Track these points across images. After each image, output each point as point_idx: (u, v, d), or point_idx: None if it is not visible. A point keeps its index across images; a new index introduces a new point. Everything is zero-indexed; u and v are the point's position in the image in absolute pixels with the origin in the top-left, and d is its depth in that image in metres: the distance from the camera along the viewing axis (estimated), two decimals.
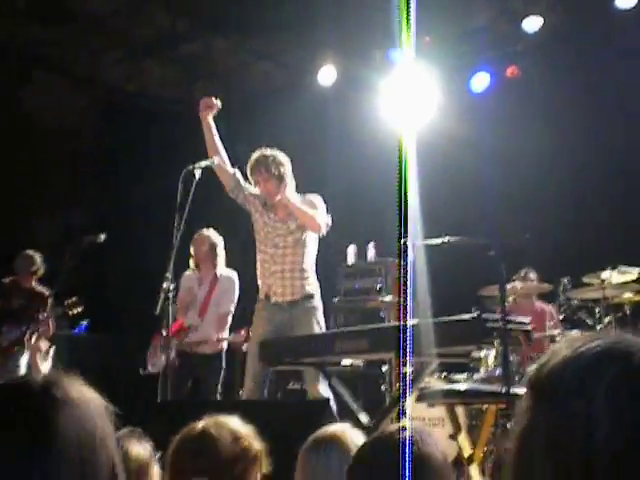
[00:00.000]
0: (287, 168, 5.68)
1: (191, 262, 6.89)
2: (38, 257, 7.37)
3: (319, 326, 5.51)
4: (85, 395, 1.32)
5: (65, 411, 1.26)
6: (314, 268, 5.78)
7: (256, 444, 2.39)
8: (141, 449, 2.81)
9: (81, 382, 1.35)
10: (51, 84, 10.34)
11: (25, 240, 9.70)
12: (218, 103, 5.73)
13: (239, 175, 5.78)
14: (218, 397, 6.64)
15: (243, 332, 6.45)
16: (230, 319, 6.83)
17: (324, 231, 5.64)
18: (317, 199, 5.74)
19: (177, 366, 6.26)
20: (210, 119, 5.76)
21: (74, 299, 6.83)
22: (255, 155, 5.68)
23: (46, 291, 7.23)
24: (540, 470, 1.07)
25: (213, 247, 6.81)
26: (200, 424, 2.43)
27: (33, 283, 7.39)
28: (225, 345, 6.79)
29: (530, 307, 7.21)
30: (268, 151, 5.68)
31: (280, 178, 5.59)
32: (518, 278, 7.05)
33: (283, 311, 5.55)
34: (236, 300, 6.83)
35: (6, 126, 10.00)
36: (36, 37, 9.35)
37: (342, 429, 2.56)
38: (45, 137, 10.44)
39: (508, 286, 6.19)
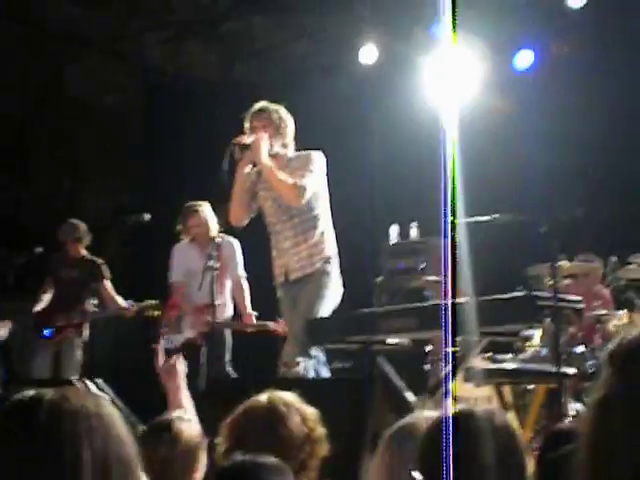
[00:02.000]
0: (288, 123, 5.41)
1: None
2: (82, 225, 7.35)
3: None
4: (94, 405, 1.38)
5: (76, 423, 1.31)
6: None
7: (320, 427, 2.38)
8: (192, 432, 2.81)
9: (93, 392, 1.44)
10: (96, 64, 10.40)
11: (73, 218, 9.82)
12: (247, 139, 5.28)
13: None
14: (229, 369, 6.62)
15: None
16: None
17: (303, 200, 5.19)
18: (313, 158, 5.34)
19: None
20: (247, 168, 5.35)
21: (153, 302, 6.81)
22: (258, 104, 5.45)
23: (97, 259, 7.24)
24: (618, 437, 1.09)
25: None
26: (265, 399, 2.40)
27: (82, 251, 7.41)
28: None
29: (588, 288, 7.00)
30: (273, 104, 5.53)
31: (278, 128, 5.34)
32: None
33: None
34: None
35: (52, 107, 10.10)
36: (79, 18, 9.38)
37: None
38: (89, 117, 10.52)
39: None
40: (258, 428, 2.33)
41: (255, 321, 6.61)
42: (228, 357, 6.64)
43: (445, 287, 4.32)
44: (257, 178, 5.44)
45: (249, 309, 6.64)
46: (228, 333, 6.70)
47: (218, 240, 6.00)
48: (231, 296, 6.77)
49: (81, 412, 1.36)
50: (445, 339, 3.83)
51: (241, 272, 6.72)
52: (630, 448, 1.07)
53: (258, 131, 5.27)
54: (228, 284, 6.74)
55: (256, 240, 5.72)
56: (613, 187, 8.10)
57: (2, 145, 9.79)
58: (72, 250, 7.32)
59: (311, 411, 2.41)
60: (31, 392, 1.41)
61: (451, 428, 1.77)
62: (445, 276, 4.35)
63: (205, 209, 6.65)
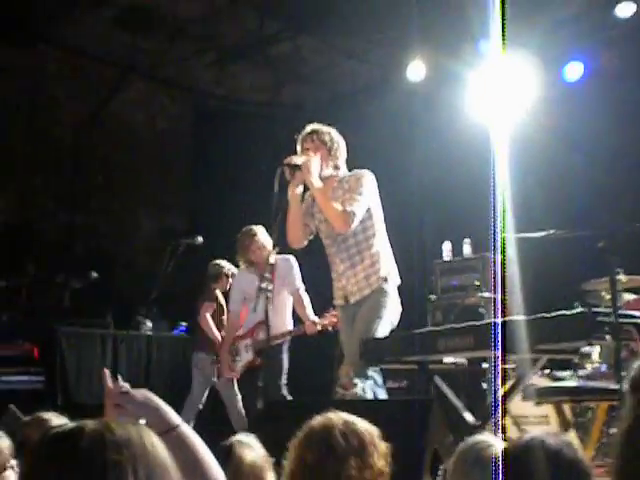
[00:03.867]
0: (340, 145, 5.38)
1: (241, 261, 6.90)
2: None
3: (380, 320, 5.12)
4: (138, 435, 1.39)
5: (120, 452, 1.30)
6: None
7: (384, 444, 2.37)
8: (255, 455, 2.80)
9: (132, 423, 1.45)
10: (144, 90, 10.56)
11: (122, 241, 9.96)
12: (296, 160, 5.24)
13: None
14: (285, 392, 6.62)
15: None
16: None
17: (352, 227, 5.14)
18: (363, 177, 5.27)
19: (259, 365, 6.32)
20: (298, 189, 5.30)
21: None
22: (311, 125, 5.42)
23: None
24: None
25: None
26: (326, 421, 2.40)
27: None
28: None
29: None
30: (325, 126, 5.52)
31: (330, 150, 5.30)
32: None
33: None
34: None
35: (104, 131, 10.27)
36: (128, 44, 9.54)
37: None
38: (140, 141, 10.67)
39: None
40: (320, 448, 2.32)
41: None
42: (284, 380, 6.65)
43: (499, 304, 4.26)
44: (313, 200, 5.44)
45: (311, 317, 6.64)
46: (285, 356, 6.72)
47: (272, 261, 6.02)
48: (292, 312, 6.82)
49: (125, 441, 1.36)
50: (502, 357, 3.78)
51: (299, 284, 6.75)
52: None
53: (309, 153, 5.28)
54: (289, 302, 6.77)
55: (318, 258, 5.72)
56: None
57: (53, 171, 9.96)
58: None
59: (372, 428, 2.40)
60: (72, 423, 1.42)
61: (518, 459, 1.75)
62: (498, 293, 4.28)
63: (260, 234, 6.70)
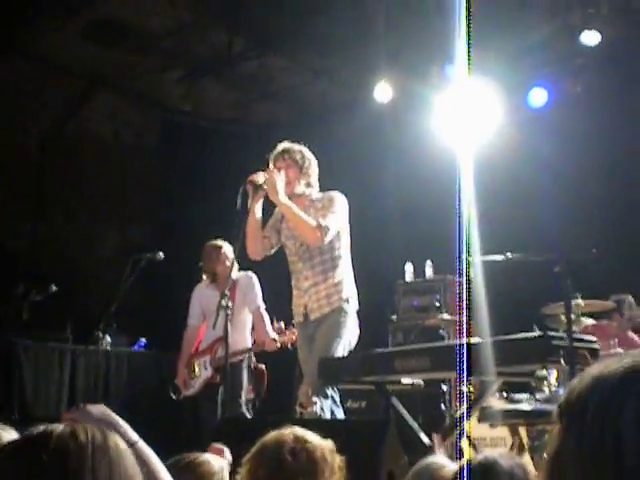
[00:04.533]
0: (312, 163, 5.43)
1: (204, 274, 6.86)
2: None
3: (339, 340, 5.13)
4: (110, 439, 1.40)
5: (94, 455, 1.30)
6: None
7: (338, 458, 2.36)
8: (211, 470, 2.79)
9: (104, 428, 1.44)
10: (111, 102, 10.52)
11: (85, 254, 9.88)
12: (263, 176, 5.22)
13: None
14: (244, 409, 6.59)
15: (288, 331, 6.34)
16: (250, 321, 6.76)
17: (326, 240, 5.16)
18: (336, 199, 5.33)
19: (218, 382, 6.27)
20: (258, 205, 5.31)
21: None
22: (282, 144, 5.47)
23: None
24: None
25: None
26: (275, 434, 2.39)
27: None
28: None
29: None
30: (297, 145, 5.56)
31: (302, 168, 5.35)
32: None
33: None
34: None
35: (68, 143, 10.21)
36: (96, 57, 9.51)
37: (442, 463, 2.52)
38: (106, 153, 10.62)
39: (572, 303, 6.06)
40: (270, 463, 2.32)
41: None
42: (244, 397, 6.62)
43: (460, 326, 4.28)
44: (281, 216, 5.45)
45: (270, 334, 6.62)
46: (245, 374, 6.68)
47: (234, 277, 6.00)
48: (251, 329, 6.79)
49: (87, 448, 1.35)
50: (459, 379, 3.80)
51: (260, 303, 6.72)
52: None
53: (280, 171, 5.28)
54: (249, 319, 6.75)
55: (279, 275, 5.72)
56: (628, 226, 8.06)
57: (18, 181, 9.88)
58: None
59: (327, 443, 2.39)
60: (41, 427, 1.41)
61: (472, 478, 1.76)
62: (460, 315, 4.30)
63: (226, 248, 6.68)
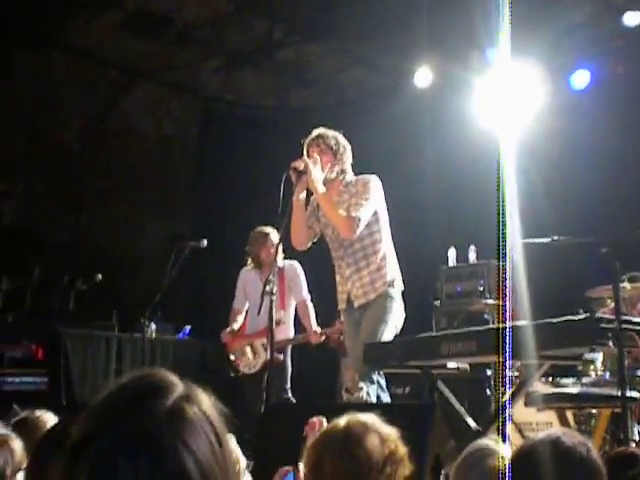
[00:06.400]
0: (346, 150, 5.40)
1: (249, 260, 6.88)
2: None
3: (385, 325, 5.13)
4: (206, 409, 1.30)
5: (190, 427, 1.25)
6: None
7: (401, 446, 2.31)
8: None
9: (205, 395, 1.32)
10: (151, 94, 10.59)
11: (127, 244, 9.98)
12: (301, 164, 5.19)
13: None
14: (289, 395, 6.63)
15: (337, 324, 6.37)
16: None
17: (357, 232, 5.14)
18: (370, 183, 5.27)
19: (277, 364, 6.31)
20: (302, 195, 5.26)
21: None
22: (317, 130, 5.44)
23: None
24: None
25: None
26: (343, 423, 2.35)
27: None
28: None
29: None
30: (331, 131, 5.48)
31: (336, 154, 5.33)
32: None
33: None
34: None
35: (109, 134, 10.30)
36: (136, 48, 9.57)
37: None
38: (146, 145, 10.70)
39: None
40: (335, 451, 2.28)
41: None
42: (289, 383, 6.66)
43: (503, 310, 4.25)
44: (317, 204, 5.46)
45: (314, 327, 6.65)
46: (288, 360, 6.73)
47: (280, 264, 6.01)
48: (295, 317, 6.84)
49: None
50: (505, 363, 3.78)
51: (305, 294, 6.75)
52: None
53: (315, 157, 5.28)
54: (292, 306, 6.78)
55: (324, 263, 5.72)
56: None
57: (60, 176, 9.99)
58: None
59: (390, 431, 2.34)
60: None
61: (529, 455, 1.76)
62: (503, 299, 4.28)
63: (273, 235, 6.67)
